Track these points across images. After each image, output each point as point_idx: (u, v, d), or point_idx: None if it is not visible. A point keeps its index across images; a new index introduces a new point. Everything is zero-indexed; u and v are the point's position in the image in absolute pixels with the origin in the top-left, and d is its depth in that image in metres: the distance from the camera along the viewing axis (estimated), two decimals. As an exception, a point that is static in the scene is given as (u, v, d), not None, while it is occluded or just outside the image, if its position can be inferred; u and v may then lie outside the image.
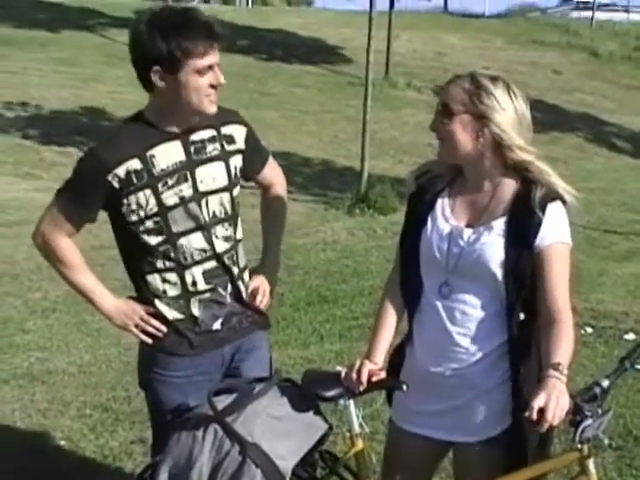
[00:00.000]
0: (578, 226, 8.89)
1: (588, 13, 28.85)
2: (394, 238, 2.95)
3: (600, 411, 2.30)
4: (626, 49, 24.51)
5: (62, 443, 4.44)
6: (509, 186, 2.57)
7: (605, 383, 2.37)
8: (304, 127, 13.36)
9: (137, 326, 2.82)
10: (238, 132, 2.89)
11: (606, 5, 32.02)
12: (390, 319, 2.74)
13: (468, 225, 2.59)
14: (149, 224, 2.71)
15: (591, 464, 2.35)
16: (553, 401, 2.20)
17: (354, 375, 2.62)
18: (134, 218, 2.70)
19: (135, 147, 2.67)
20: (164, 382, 2.84)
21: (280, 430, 2.60)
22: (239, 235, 2.92)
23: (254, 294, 2.95)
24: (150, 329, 2.80)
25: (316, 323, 6.23)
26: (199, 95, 2.64)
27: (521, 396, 2.46)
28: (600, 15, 27.90)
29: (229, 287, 2.86)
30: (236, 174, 2.86)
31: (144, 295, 2.83)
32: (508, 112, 2.48)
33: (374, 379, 2.63)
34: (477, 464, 2.63)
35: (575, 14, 30.46)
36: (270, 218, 3.18)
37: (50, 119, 12.69)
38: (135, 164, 2.66)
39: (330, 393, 2.66)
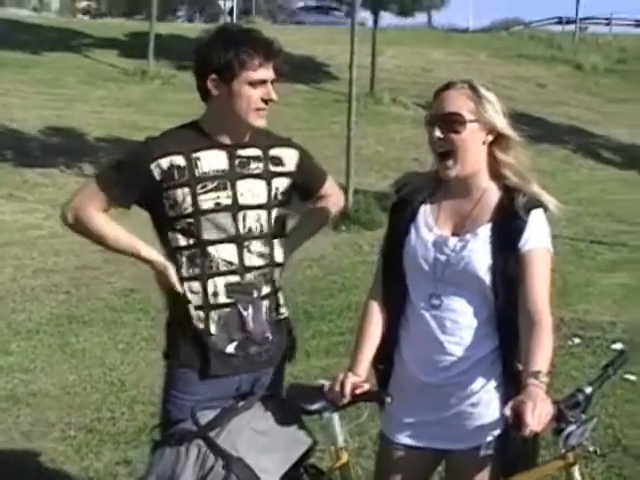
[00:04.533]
0: (564, 237, 8.92)
1: (571, 27, 29.08)
2: (380, 253, 2.96)
3: (584, 417, 2.28)
4: (609, 62, 24.75)
5: (46, 465, 4.37)
6: (493, 193, 2.58)
7: (588, 390, 2.35)
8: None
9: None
10: (288, 155, 2.91)
11: (588, 18, 32.28)
12: (373, 330, 2.70)
13: (453, 234, 2.58)
14: (183, 224, 2.73)
15: (576, 472, 2.32)
16: (531, 404, 2.18)
17: (337, 388, 2.59)
18: (171, 214, 2.73)
19: (183, 146, 2.74)
20: (175, 404, 2.79)
21: (264, 444, 2.57)
22: (278, 258, 2.87)
23: None
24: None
25: (302, 340, 6.13)
26: (249, 106, 2.71)
27: None
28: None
29: (251, 308, 2.79)
30: (276, 195, 2.85)
31: (176, 302, 2.79)
32: (503, 116, 2.53)
33: (358, 391, 2.59)
34: (468, 472, 2.59)
35: (558, 28, 30.69)
36: (309, 216, 3.17)
37: (32, 140, 12.67)
38: (179, 160, 2.72)
39: (314, 406, 2.62)
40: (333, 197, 3.17)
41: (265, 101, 2.74)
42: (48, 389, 5.31)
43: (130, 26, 22.31)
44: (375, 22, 17.80)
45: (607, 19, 33.33)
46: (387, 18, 21.13)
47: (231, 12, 35.47)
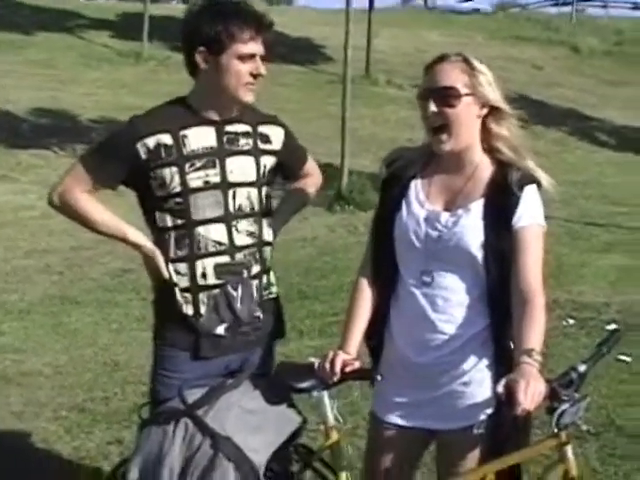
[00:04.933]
0: (559, 219, 8.90)
1: (567, 8, 28.99)
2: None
3: (577, 396, 2.26)
4: (606, 44, 24.64)
5: (38, 445, 4.36)
6: (486, 168, 2.54)
7: (582, 368, 2.33)
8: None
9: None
10: (275, 133, 2.88)
11: (584, 0, 32.17)
12: (363, 308, 2.67)
13: (445, 209, 2.54)
14: (171, 203, 2.69)
15: (569, 451, 2.31)
16: (524, 383, 2.15)
17: (327, 365, 2.56)
18: (159, 193, 2.69)
19: (170, 123, 2.69)
20: (164, 383, 2.76)
21: (253, 423, 2.56)
22: (266, 236, 2.84)
23: None
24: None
25: (295, 319, 6.15)
26: (238, 81, 2.67)
27: None
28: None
29: (240, 287, 2.75)
30: (264, 173, 2.82)
31: (163, 285, 2.75)
32: (497, 88, 2.50)
33: (348, 369, 2.57)
34: (459, 451, 2.58)
35: (554, 10, 30.60)
36: (291, 195, 3.14)
37: (26, 121, 12.60)
38: (166, 139, 2.67)
39: (303, 384, 2.60)
40: (314, 176, 3.15)
41: (254, 76, 2.69)
42: (40, 369, 5.29)
43: (124, 7, 22.14)
44: (371, 3, 17.70)
45: (603, 1, 33.22)
46: (383, -1, 21.06)
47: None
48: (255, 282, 2.80)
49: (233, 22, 2.63)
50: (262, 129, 2.84)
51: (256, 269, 2.79)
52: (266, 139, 2.84)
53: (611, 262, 8.11)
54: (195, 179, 2.68)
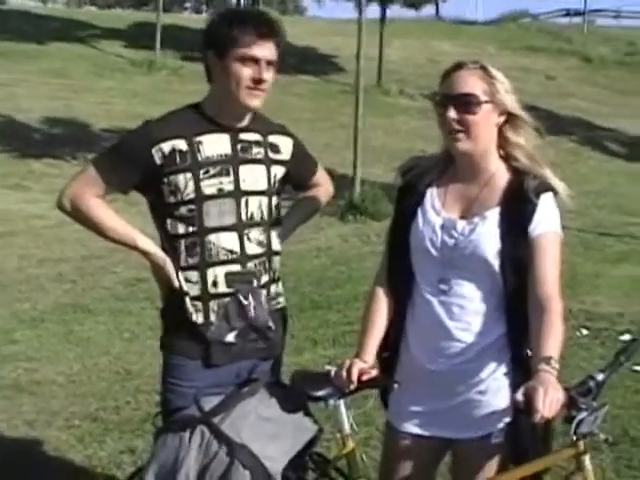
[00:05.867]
0: (573, 229, 8.87)
1: (579, 19, 28.96)
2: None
3: (595, 405, 2.25)
4: (618, 54, 24.61)
5: (50, 454, 4.35)
6: (502, 176, 2.54)
7: (600, 377, 2.32)
8: (297, 135, 13.29)
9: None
10: (284, 143, 2.87)
11: (596, 11, 32.13)
12: (380, 317, 2.66)
13: (461, 217, 2.54)
14: (183, 210, 2.67)
15: (587, 460, 2.29)
16: (542, 390, 2.14)
17: (344, 374, 2.55)
18: (171, 200, 2.66)
19: (185, 129, 2.68)
20: (174, 391, 2.74)
21: (269, 431, 2.54)
22: (275, 246, 2.83)
23: None
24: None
25: (309, 329, 6.16)
26: (239, 84, 2.64)
27: None
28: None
29: (251, 297, 2.73)
30: (275, 183, 2.82)
31: (172, 294, 2.73)
32: (514, 95, 2.51)
33: (364, 378, 2.55)
34: (477, 460, 2.56)
35: (566, 20, 30.58)
36: (300, 204, 3.14)
37: (38, 130, 12.65)
38: (181, 145, 2.66)
39: (320, 392, 2.58)
40: (324, 186, 3.14)
41: (256, 81, 2.65)
42: (52, 378, 5.28)
43: (137, 17, 22.26)
44: (383, 13, 17.74)
45: (616, 12, 33.18)
46: (395, 9, 21.05)
47: (239, 3, 35.42)
48: (264, 291, 2.79)
49: (237, 25, 2.62)
50: (272, 139, 2.83)
51: (265, 278, 2.79)
52: (276, 149, 2.84)
53: (625, 272, 8.08)
54: (209, 186, 2.67)
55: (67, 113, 13.50)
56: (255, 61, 2.63)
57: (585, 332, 6.16)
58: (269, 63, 2.67)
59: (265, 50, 2.65)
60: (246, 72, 2.63)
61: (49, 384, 5.19)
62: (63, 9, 32.16)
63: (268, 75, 2.66)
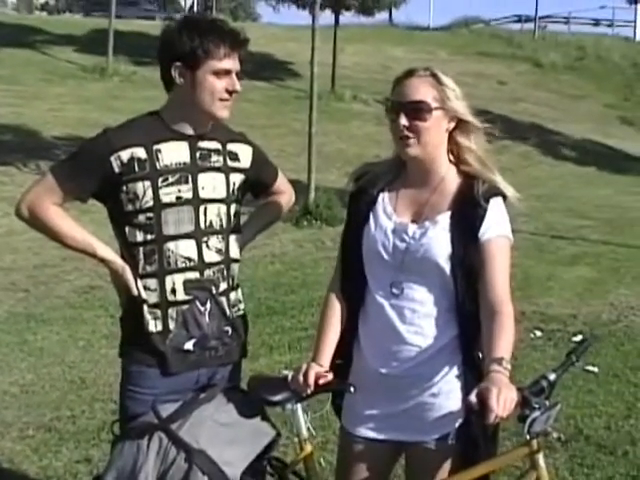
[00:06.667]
0: (526, 232, 8.98)
1: (530, 25, 29.33)
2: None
3: (548, 404, 2.28)
4: (568, 59, 25.00)
5: (4, 465, 4.28)
6: (452, 181, 2.57)
7: (552, 376, 2.35)
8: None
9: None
10: (244, 151, 2.87)
11: (547, 17, 32.59)
12: (335, 321, 2.68)
13: (412, 221, 2.56)
14: (142, 218, 2.66)
15: (541, 459, 2.32)
16: (496, 390, 2.17)
17: (301, 378, 2.56)
18: (130, 208, 2.65)
19: (144, 137, 2.67)
20: (133, 398, 2.73)
21: (227, 436, 2.54)
22: (234, 253, 2.82)
23: None
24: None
25: (265, 335, 6.16)
26: (213, 96, 2.65)
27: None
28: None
29: (209, 303, 2.74)
30: (234, 190, 2.81)
31: (131, 302, 2.72)
32: (464, 102, 2.54)
33: (321, 382, 2.56)
34: (431, 462, 2.58)
35: (517, 26, 30.96)
36: (260, 211, 3.13)
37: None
38: (140, 152, 2.64)
39: (277, 397, 2.59)
40: (285, 194, 3.14)
41: (229, 92, 2.68)
42: (5, 388, 5.21)
43: (89, 23, 22.07)
44: (336, 19, 17.83)
45: (566, 18, 33.68)
46: (348, 15, 21.17)
47: (191, 9, 35.38)
48: (223, 299, 2.79)
49: (209, 38, 2.62)
50: (231, 147, 2.83)
51: (224, 286, 2.79)
52: (235, 157, 2.84)
53: (577, 274, 8.21)
54: (167, 194, 2.66)
55: (18, 120, 13.34)
56: (227, 72, 2.66)
57: (539, 334, 6.24)
58: (237, 74, 2.70)
59: (236, 62, 2.69)
60: (220, 84, 2.65)
61: (1, 394, 5.12)
62: (13, 14, 31.77)
63: (239, 86, 2.70)
